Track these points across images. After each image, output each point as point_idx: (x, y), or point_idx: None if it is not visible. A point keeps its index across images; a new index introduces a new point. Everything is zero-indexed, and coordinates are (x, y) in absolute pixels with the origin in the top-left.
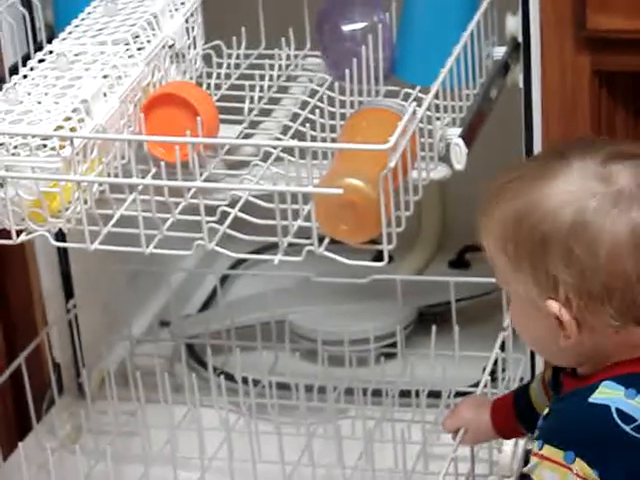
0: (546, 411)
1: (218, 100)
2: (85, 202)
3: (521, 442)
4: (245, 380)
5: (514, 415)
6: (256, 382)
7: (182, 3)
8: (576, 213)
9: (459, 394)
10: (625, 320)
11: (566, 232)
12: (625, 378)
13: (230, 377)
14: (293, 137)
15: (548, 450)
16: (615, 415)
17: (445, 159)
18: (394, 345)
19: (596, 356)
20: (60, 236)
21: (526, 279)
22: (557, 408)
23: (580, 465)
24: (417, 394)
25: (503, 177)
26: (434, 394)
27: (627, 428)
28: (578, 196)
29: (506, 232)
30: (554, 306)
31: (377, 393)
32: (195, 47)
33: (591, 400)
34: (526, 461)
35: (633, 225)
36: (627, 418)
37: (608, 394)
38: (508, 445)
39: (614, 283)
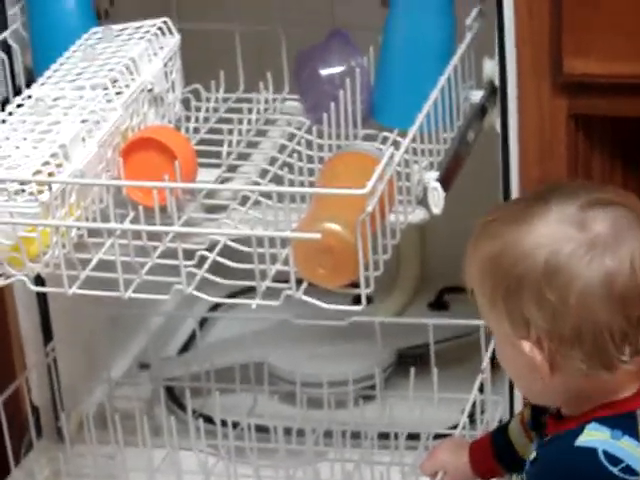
0: (533, 455)
1: (197, 144)
2: (63, 246)
3: None
4: (224, 422)
5: (492, 455)
6: (235, 424)
7: (161, 47)
8: (550, 255)
9: (438, 436)
10: (594, 365)
11: (539, 275)
12: (609, 419)
13: (209, 419)
14: (271, 181)
15: None
16: (602, 457)
17: (423, 203)
18: (373, 387)
19: (577, 397)
20: (39, 280)
21: (501, 317)
22: (544, 453)
23: None
24: (396, 436)
25: (486, 216)
26: (413, 436)
27: (615, 470)
28: (553, 240)
29: (484, 271)
30: (526, 347)
31: (356, 435)
32: (174, 91)
33: (577, 444)
34: None
35: (605, 273)
36: (614, 460)
37: (594, 436)
38: None
39: (584, 328)
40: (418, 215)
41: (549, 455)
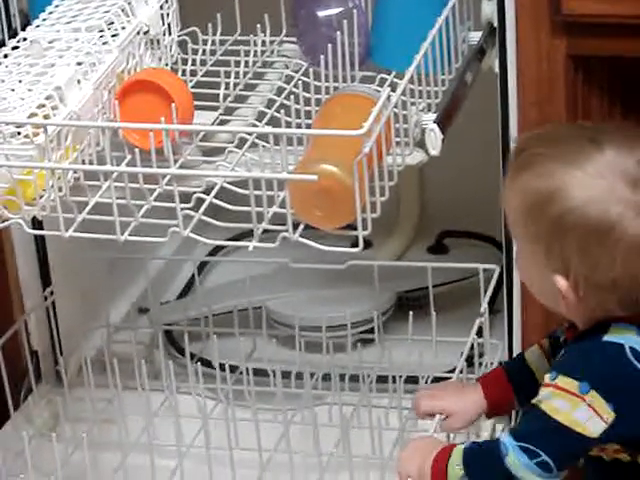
0: (561, 353)
1: (193, 86)
2: (60, 189)
3: (499, 426)
4: (222, 367)
5: (508, 384)
6: (233, 368)
7: None
8: (601, 214)
9: (436, 379)
10: (624, 308)
11: (589, 229)
12: (633, 321)
13: (208, 364)
14: (268, 123)
15: (562, 380)
16: (629, 353)
17: (421, 144)
18: (372, 331)
19: (597, 319)
20: (37, 223)
21: (539, 252)
22: (571, 348)
23: (594, 396)
24: (394, 380)
25: (533, 145)
26: (411, 380)
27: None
28: (606, 197)
29: (529, 208)
30: (562, 284)
31: (354, 379)
32: (170, 33)
33: (605, 339)
34: None
35: None
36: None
37: (621, 333)
38: (486, 432)
39: (622, 282)
40: (416, 157)
41: (576, 348)
